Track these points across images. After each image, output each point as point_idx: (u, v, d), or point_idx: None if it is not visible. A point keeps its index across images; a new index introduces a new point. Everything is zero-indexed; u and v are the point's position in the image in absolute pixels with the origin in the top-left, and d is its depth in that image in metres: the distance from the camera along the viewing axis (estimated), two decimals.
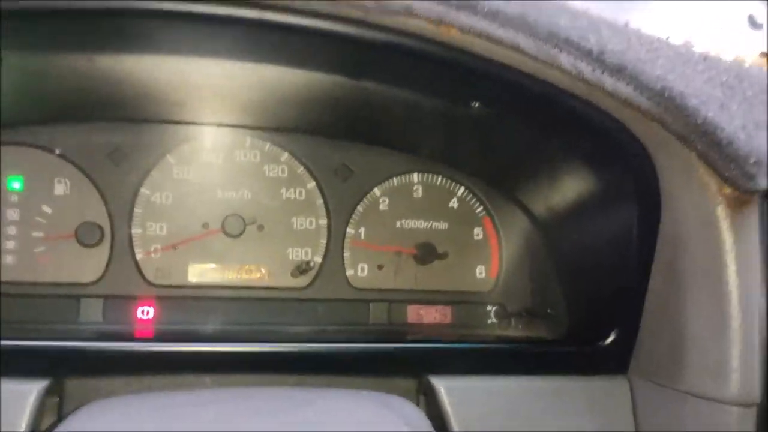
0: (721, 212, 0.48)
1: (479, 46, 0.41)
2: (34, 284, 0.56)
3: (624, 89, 0.43)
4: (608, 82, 0.42)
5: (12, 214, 0.56)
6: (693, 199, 0.49)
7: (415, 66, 0.47)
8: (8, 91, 0.50)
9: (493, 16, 0.39)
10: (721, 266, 0.47)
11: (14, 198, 0.56)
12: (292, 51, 0.47)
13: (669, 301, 0.52)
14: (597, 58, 0.42)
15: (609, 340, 0.55)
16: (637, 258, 0.53)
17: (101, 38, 0.46)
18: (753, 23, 1.70)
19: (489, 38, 0.40)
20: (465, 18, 0.39)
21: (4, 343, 0.50)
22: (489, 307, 0.65)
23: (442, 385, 0.54)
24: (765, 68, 0.75)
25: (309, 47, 0.46)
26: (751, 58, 0.78)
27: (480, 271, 0.65)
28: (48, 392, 0.49)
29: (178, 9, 0.39)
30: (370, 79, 0.52)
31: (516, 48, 0.40)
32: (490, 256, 0.65)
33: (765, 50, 0.81)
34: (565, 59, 0.41)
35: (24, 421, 0.46)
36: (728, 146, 0.44)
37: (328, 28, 0.40)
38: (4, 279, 0.56)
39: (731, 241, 0.48)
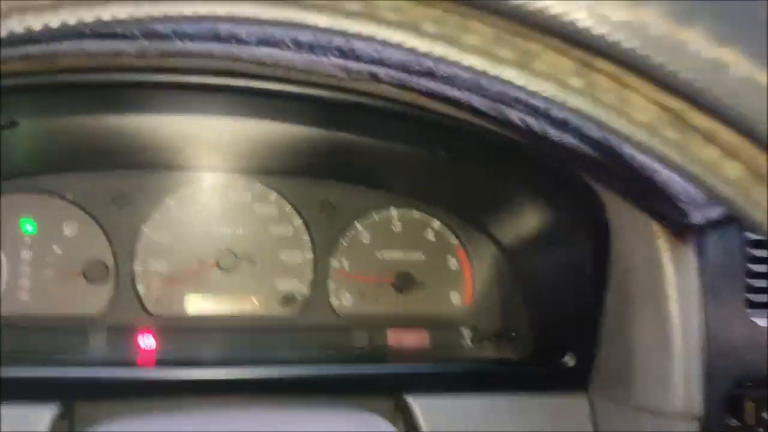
0: (662, 245, 0.53)
1: (439, 105, 0.47)
2: (46, 317, 0.61)
3: (569, 140, 0.48)
4: (554, 133, 0.48)
5: (26, 254, 0.61)
6: (637, 233, 0.55)
7: (385, 120, 0.53)
8: (24, 148, 0.56)
9: (450, 80, 0.45)
10: (664, 293, 0.53)
11: (27, 240, 0.61)
12: (276, 109, 0.53)
13: (621, 324, 0.57)
14: (543, 114, 0.47)
15: (569, 360, 0.61)
16: (592, 285, 0.59)
17: (107, 103, 0.51)
18: None
19: (446, 99, 0.46)
20: (425, 82, 0.45)
21: (20, 370, 0.56)
22: (463, 330, 0.70)
23: (417, 403, 0.60)
24: None
25: (291, 107, 0.52)
26: None
27: (454, 298, 0.70)
28: (60, 416, 0.54)
29: (174, 81, 0.45)
30: (346, 131, 0.58)
31: (470, 106, 0.46)
32: (464, 284, 0.70)
33: None
34: (515, 115, 0.47)
35: None
36: (663, 187, 0.49)
37: (306, 92, 0.46)
38: (19, 313, 0.61)
39: (672, 270, 0.53)
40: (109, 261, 0.63)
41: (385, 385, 0.62)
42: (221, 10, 0.20)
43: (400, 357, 0.68)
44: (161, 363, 0.60)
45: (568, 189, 0.55)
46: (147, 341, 0.62)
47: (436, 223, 0.70)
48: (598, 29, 0.19)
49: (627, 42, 0.19)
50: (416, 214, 0.70)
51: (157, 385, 0.56)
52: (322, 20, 0.20)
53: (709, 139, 0.21)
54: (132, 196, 0.63)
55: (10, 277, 0.61)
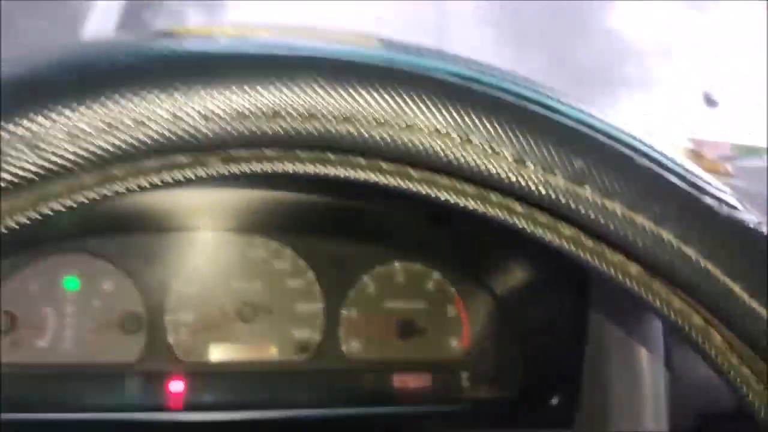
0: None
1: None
2: (86, 365, 0.69)
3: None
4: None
5: (69, 309, 0.69)
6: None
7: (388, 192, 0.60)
8: (70, 218, 0.64)
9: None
10: (631, 341, 0.60)
11: (70, 296, 0.69)
12: (291, 181, 0.61)
13: (598, 369, 0.64)
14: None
15: (555, 400, 0.68)
16: (573, 333, 0.66)
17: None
18: (708, 101, 1.82)
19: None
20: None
21: (65, 415, 0.63)
22: (462, 373, 0.76)
23: None
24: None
25: (304, 181, 0.60)
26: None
27: (453, 343, 0.76)
28: None
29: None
30: (355, 198, 0.65)
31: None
32: (462, 330, 0.77)
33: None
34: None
35: None
36: None
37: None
38: (62, 361, 0.68)
39: (638, 319, 0.60)
40: (143, 313, 0.70)
41: (392, 425, 0.68)
42: None
43: (405, 398, 0.75)
44: (189, 406, 0.67)
45: (550, 248, 0.62)
46: (176, 386, 0.70)
47: (437, 275, 0.77)
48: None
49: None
50: (418, 267, 0.76)
51: (185, 427, 0.63)
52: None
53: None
54: (162, 255, 0.70)
55: (55, 330, 0.69)
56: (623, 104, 1.81)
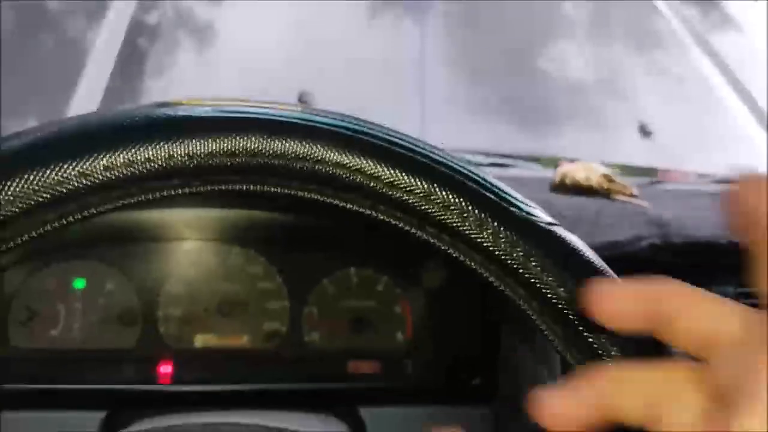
0: None
1: None
2: (91, 350, 0.82)
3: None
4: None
5: (77, 305, 0.83)
6: None
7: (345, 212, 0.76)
8: (80, 230, 0.79)
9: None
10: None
11: (79, 294, 0.83)
12: (265, 202, 0.76)
13: (511, 355, 0.80)
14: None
15: (476, 381, 0.83)
16: (494, 323, 0.81)
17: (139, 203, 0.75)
18: (643, 132, 2.00)
19: None
20: None
21: (73, 387, 0.78)
22: (406, 361, 0.91)
23: (368, 412, 0.82)
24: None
25: (278, 202, 0.75)
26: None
27: (399, 336, 0.91)
28: (105, 421, 0.75)
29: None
30: (315, 216, 0.81)
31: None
32: (406, 325, 0.91)
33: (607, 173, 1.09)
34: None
35: None
36: None
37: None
38: (71, 347, 0.82)
39: None
40: (138, 309, 0.84)
41: (343, 399, 0.83)
42: None
43: (358, 381, 0.89)
44: (175, 382, 0.82)
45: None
46: (166, 368, 0.84)
47: (386, 279, 0.91)
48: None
49: None
50: (369, 272, 0.91)
51: (173, 396, 0.78)
52: None
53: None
54: (156, 260, 0.84)
55: (66, 322, 0.82)
56: (567, 135, 1.98)
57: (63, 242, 0.82)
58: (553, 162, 1.24)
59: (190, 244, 0.86)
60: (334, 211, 0.85)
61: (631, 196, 1.02)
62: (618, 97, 2.12)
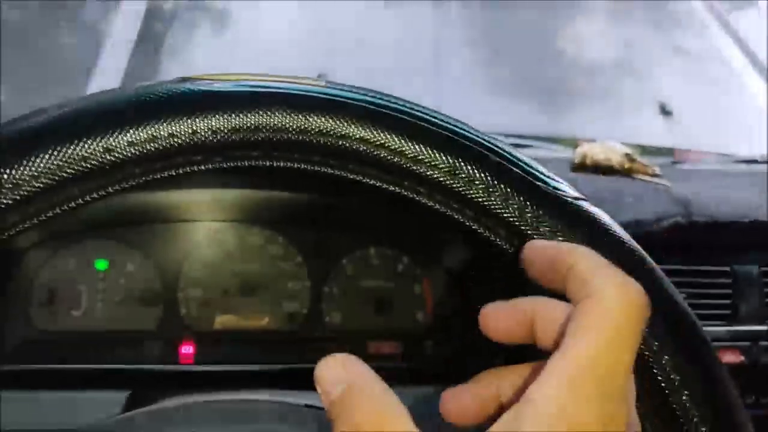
0: None
1: None
2: (113, 331, 0.83)
3: None
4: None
5: (100, 286, 0.83)
6: None
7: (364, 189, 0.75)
8: (101, 211, 0.79)
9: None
10: None
11: (101, 275, 0.83)
12: (285, 182, 0.76)
13: None
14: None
15: (499, 359, 0.82)
16: None
17: (159, 184, 0.74)
18: (664, 111, 1.97)
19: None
20: None
21: (96, 367, 0.78)
22: (426, 342, 0.91)
23: None
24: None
25: (297, 181, 0.75)
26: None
27: (419, 316, 0.91)
28: (130, 399, 0.76)
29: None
30: (336, 196, 0.80)
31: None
32: (426, 305, 0.91)
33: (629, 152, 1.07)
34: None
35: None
36: None
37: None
38: (93, 328, 0.82)
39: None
40: (160, 290, 0.84)
41: None
42: None
43: (378, 361, 0.89)
44: (197, 362, 0.82)
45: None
46: (187, 349, 0.84)
47: (406, 258, 0.91)
48: None
49: None
50: (390, 251, 0.91)
51: (195, 376, 0.78)
52: None
53: None
54: (177, 242, 0.84)
55: (88, 303, 0.83)
56: (583, 114, 1.96)
57: (85, 223, 0.82)
58: (573, 143, 1.23)
59: (210, 225, 0.86)
60: (354, 190, 0.85)
61: (653, 175, 1.01)
62: (637, 77, 2.10)
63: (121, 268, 0.83)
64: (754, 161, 1.34)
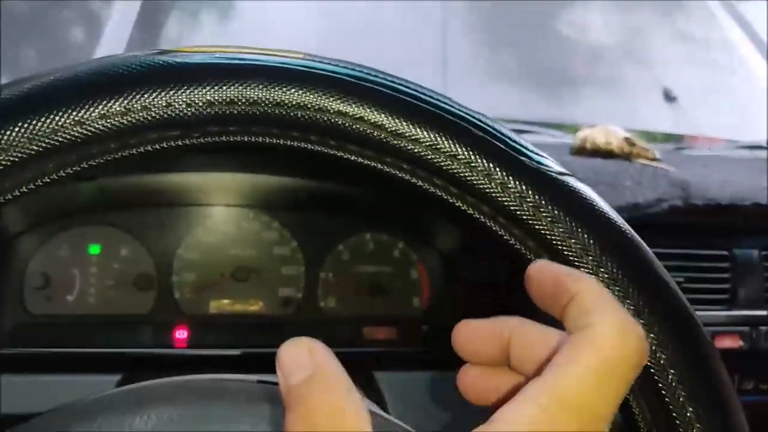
0: None
1: None
2: (107, 316, 0.82)
3: None
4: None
5: (93, 270, 0.83)
6: None
7: (361, 173, 0.74)
8: (94, 194, 0.79)
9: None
10: None
11: (94, 260, 0.83)
12: (281, 166, 0.76)
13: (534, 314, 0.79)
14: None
15: None
16: (505, 290, 0.80)
17: (156, 166, 0.74)
18: (668, 97, 1.95)
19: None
20: None
21: (89, 351, 0.78)
22: (423, 326, 0.90)
23: (383, 377, 0.81)
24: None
25: (293, 164, 0.74)
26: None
27: (415, 301, 0.90)
28: (122, 383, 0.75)
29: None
30: (333, 181, 0.80)
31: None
32: (422, 291, 0.91)
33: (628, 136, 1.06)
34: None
35: None
36: None
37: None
38: (87, 312, 0.82)
39: None
40: (153, 274, 0.84)
41: (359, 365, 0.82)
42: None
43: (373, 346, 0.89)
44: (191, 346, 0.82)
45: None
46: (181, 334, 0.84)
47: (401, 244, 0.91)
48: None
49: None
50: (385, 237, 0.90)
51: (188, 360, 0.78)
52: None
53: None
54: (171, 226, 0.84)
55: (81, 288, 0.83)
56: (587, 101, 1.95)
57: (78, 207, 0.82)
58: (575, 129, 1.22)
59: (204, 209, 0.85)
60: (349, 174, 0.84)
61: (654, 159, 1.00)
62: (641, 62, 2.08)
63: (115, 252, 0.83)
64: (758, 147, 1.32)
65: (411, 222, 0.89)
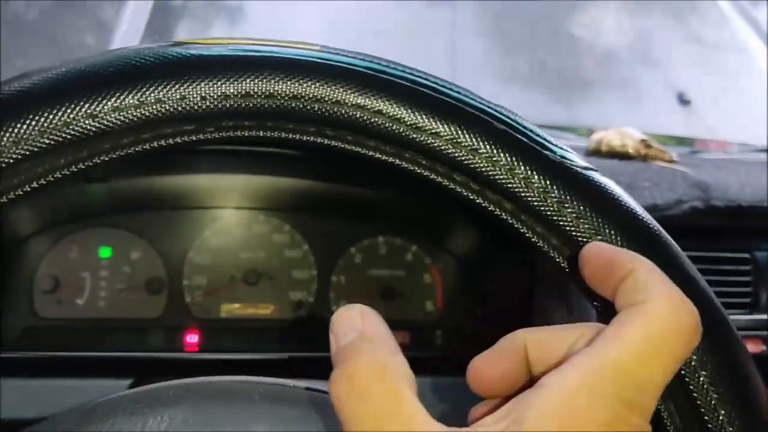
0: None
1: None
2: (117, 320, 0.81)
3: None
4: None
5: (103, 273, 0.82)
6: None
7: (373, 175, 0.73)
8: (105, 196, 0.78)
9: None
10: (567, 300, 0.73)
11: (104, 263, 0.82)
12: (291, 168, 0.74)
13: (547, 322, 0.77)
14: None
15: None
16: (524, 292, 0.79)
17: (166, 167, 0.73)
18: (682, 100, 1.94)
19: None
20: None
21: (100, 356, 0.77)
22: (437, 331, 0.89)
23: None
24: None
25: (303, 167, 0.73)
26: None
27: (428, 306, 0.89)
28: (133, 387, 0.74)
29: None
30: (345, 183, 0.79)
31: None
32: (436, 295, 0.89)
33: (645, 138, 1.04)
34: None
35: None
36: None
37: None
38: (97, 316, 0.81)
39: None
40: (164, 278, 0.83)
41: None
42: None
43: None
44: (202, 350, 0.81)
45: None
46: (192, 338, 0.83)
47: (414, 248, 0.89)
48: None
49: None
50: (398, 241, 0.89)
51: (199, 364, 0.76)
52: None
53: None
54: (181, 229, 0.83)
55: (91, 291, 0.82)
56: (600, 104, 1.93)
57: (88, 210, 0.81)
58: (589, 133, 1.20)
59: (215, 212, 0.84)
60: (361, 176, 0.83)
61: (671, 161, 0.98)
62: (653, 65, 2.07)
63: (125, 255, 0.82)
64: None
65: (424, 225, 0.88)
